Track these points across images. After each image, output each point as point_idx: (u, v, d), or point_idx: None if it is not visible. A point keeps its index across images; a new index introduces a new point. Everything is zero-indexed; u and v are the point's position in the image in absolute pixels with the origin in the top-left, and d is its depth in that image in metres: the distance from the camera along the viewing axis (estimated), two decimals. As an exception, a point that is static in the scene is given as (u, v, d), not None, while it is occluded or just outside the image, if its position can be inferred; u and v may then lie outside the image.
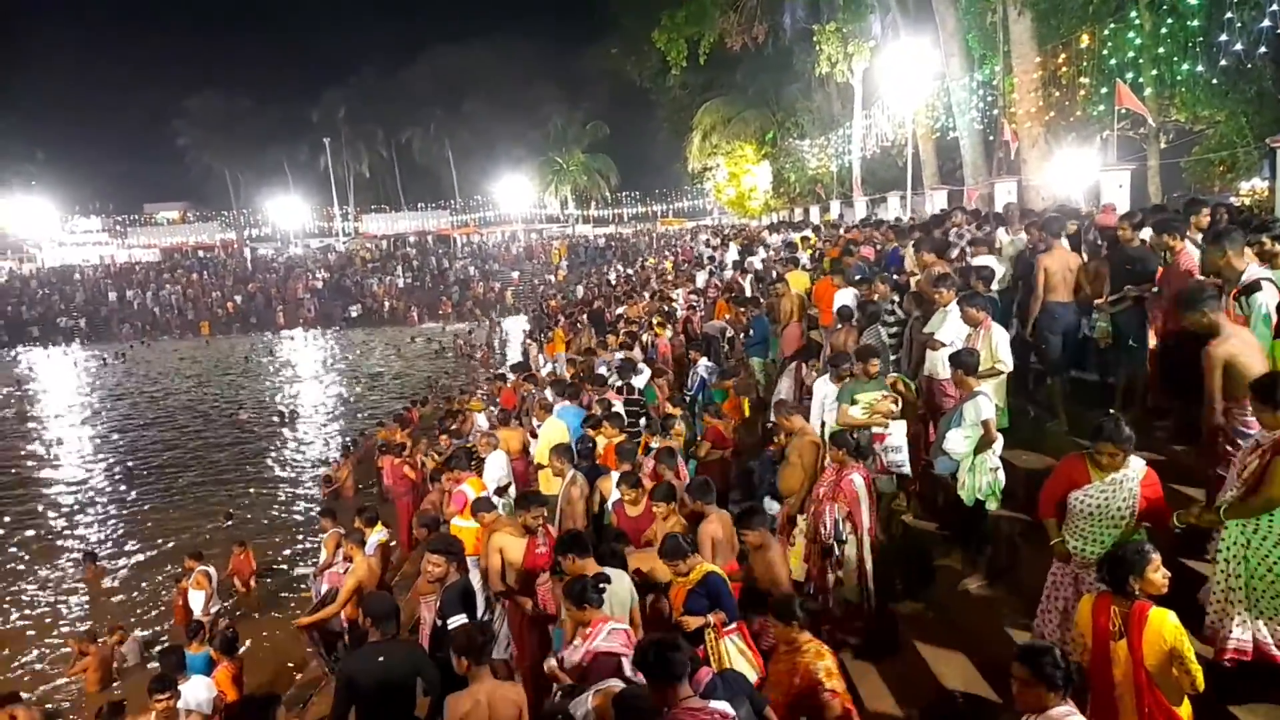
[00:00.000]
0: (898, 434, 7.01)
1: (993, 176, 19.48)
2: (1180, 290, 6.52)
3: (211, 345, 41.02)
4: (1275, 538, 4.13)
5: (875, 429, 7.10)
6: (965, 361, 6.36)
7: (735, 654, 5.06)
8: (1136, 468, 4.53)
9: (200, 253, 57.84)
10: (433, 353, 34.15)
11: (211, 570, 10.83)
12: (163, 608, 12.04)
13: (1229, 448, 4.78)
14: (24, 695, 8.53)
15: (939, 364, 7.31)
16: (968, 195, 19.32)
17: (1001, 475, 6.18)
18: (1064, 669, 3.39)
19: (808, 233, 20.71)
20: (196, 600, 10.46)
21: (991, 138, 20.87)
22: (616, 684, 3.89)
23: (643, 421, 9.46)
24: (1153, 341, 7.18)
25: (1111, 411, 4.75)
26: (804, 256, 16.34)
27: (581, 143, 62.07)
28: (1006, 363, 6.94)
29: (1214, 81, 17.20)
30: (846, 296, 10.21)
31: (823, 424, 7.77)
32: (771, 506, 7.08)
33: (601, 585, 4.84)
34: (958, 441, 6.16)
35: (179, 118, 66.42)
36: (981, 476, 6.15)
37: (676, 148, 45.19)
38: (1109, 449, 4.44)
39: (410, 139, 66.91)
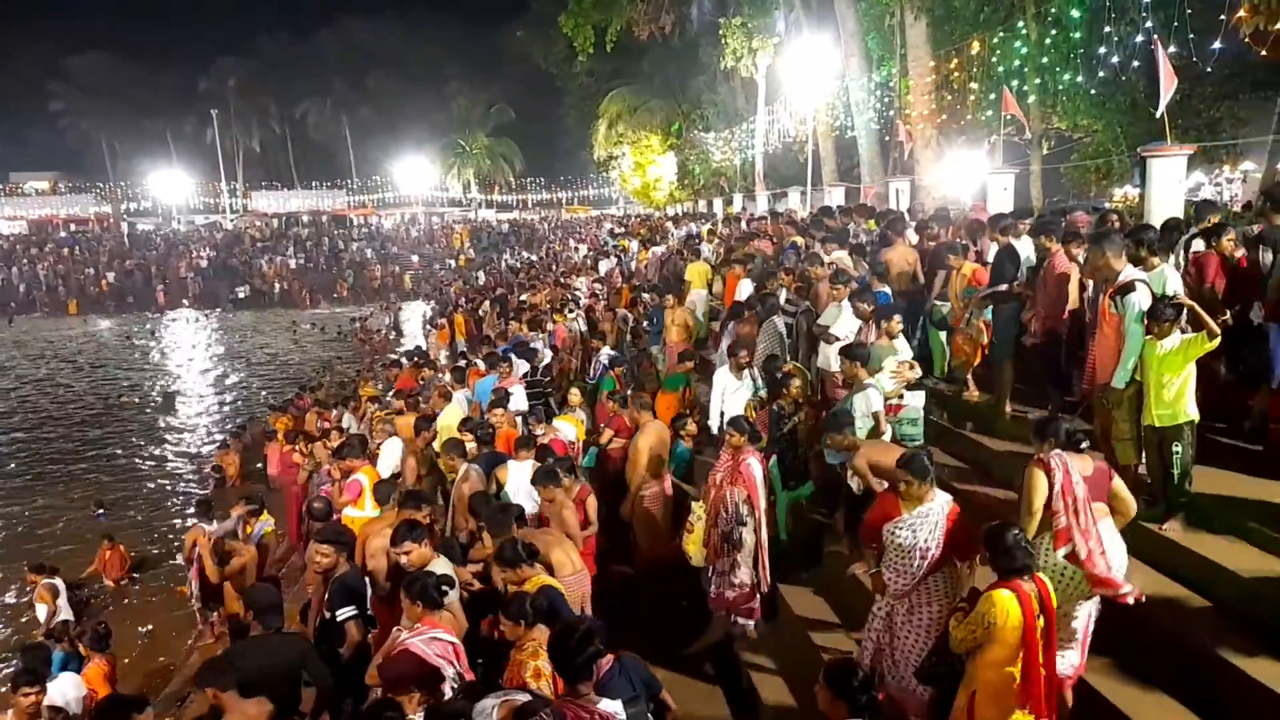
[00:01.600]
0: (914, 403, 6.92)
1: (888, 175, 20.07)
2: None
3: (87, 325, 38.60)
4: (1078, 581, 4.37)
5: (891, 400, 6.86)
6: (857, 354, 6.52)
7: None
8: (942, 501, 4.64)
9: (73, 226, 54.33)
10: (329, 337, 33.03)
11: (58, 582, 10.06)
12: (17, 603, 11.29)
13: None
14: None
15: (832, 357, 7.47)
16: (864, 193, 19.84)
17: (889, 465, 6.38)
18: (869, 693, 3.44)
19: (712, 225, 20.92)
20: (40, 614, 9.82)
21: (887, 138, 21.48)
22: (521, 696, 3.81)
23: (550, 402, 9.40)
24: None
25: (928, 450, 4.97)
26: (707, 248, 16.49)
27: (486, 126, 60.99)
28: (904, 352, 7.14)
29: (1092, 92, 18.20)
30: (748, 288, 10.35)
31: (721, 414, 7.88)
32: None
33: (444, 588, 4.65)
34: (849, 432, 6.31)
35: (54, 80, 62.13)
36: (870, 466, 6.34)
37: (583, 135, 44.83)
38: (904, 476, 4.58)
39: (306, 113, 64.39)
